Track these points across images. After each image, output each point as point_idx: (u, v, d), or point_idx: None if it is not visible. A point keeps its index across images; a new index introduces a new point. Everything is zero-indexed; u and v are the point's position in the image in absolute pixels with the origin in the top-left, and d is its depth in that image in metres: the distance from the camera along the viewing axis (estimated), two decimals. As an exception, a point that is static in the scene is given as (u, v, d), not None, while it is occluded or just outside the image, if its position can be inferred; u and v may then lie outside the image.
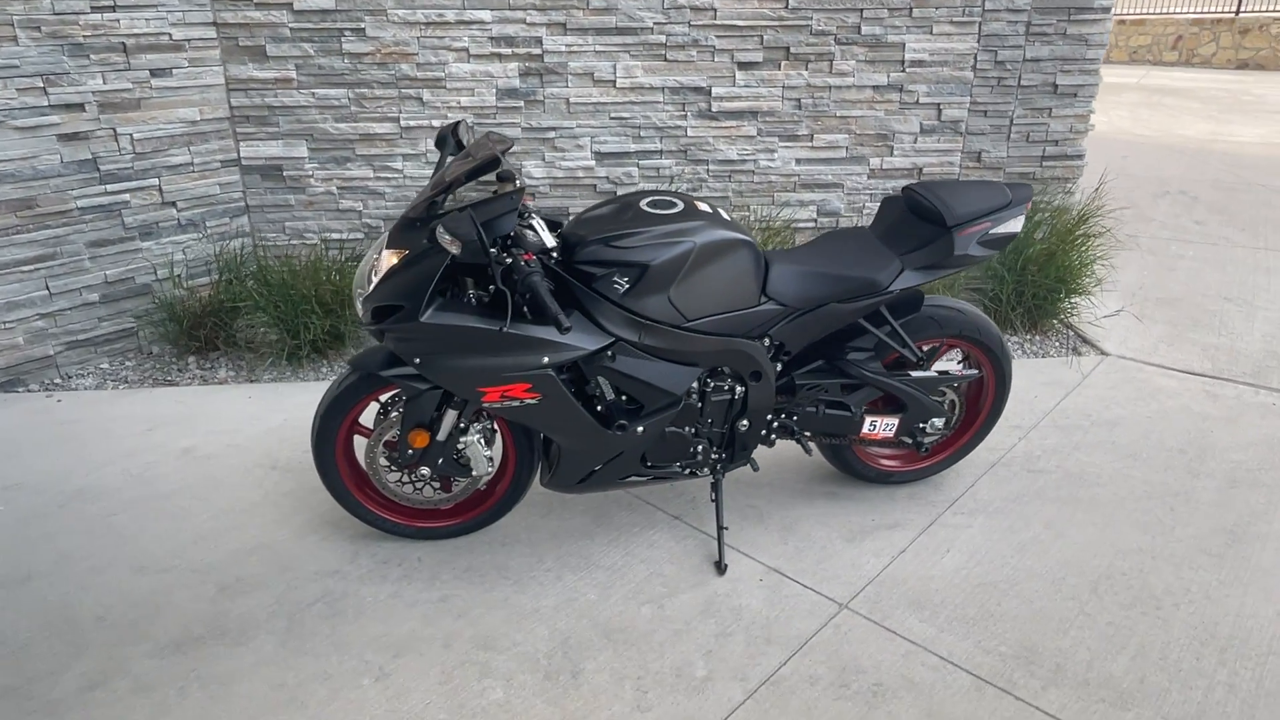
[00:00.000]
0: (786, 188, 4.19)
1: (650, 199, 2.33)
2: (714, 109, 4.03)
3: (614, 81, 3.94)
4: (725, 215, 2.36)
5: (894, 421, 2.61)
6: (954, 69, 4.03)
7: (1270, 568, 2.45)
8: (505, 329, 2.11)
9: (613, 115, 4.01)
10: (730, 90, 4.01)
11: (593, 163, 4.07)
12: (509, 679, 2.07)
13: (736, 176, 4.16)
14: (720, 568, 2.47)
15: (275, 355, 3.70)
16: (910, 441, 2.69)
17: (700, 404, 2.40)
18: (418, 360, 2.16)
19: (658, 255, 2.17)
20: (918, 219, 2.52)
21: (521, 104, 3.95)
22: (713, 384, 2.38)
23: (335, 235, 4.06)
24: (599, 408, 2.33)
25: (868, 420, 2.58)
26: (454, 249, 2.00)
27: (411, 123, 3.91)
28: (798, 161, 4.16)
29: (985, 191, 2.51)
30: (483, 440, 2.41)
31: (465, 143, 2.30)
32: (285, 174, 3.94)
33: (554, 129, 4.01)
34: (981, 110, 4.11)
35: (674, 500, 2.78)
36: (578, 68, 3.90)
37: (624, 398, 2.33)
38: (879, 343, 2.52)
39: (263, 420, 3.27)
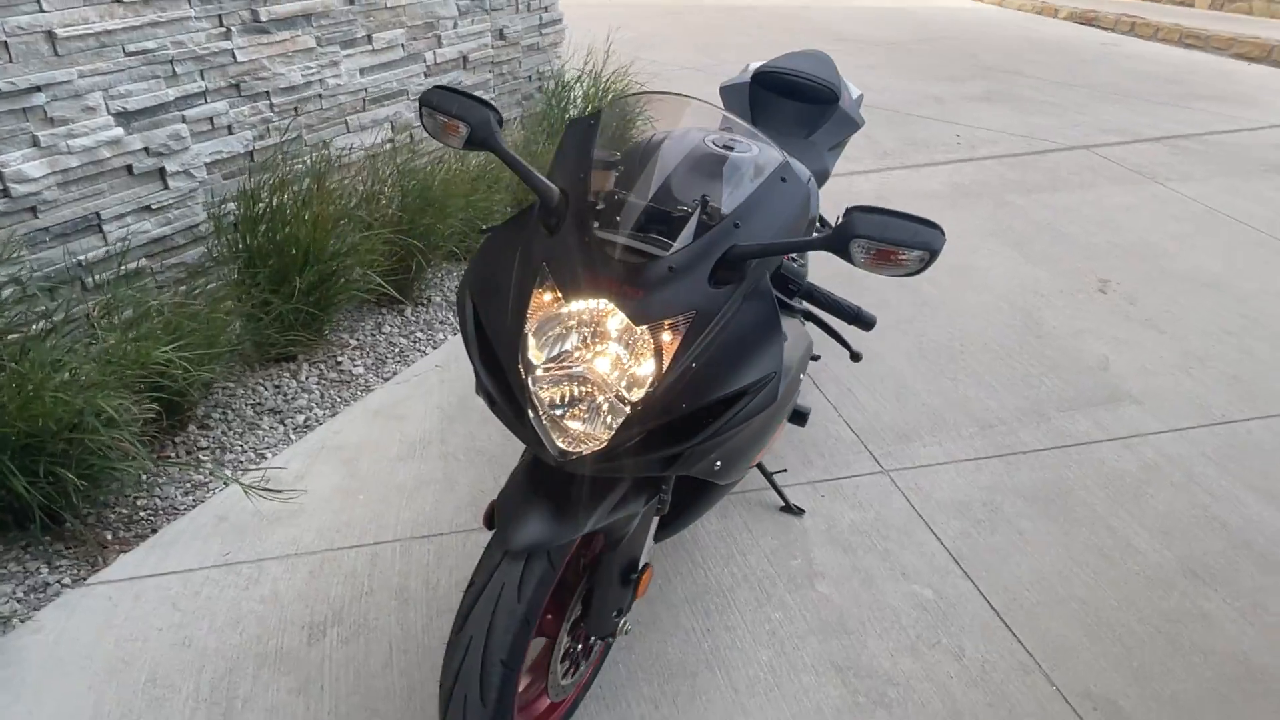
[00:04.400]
0: (356, 107, 3.33)
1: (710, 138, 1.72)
2: (263, 17, 2.86)
3: (113, -7, 2.44)
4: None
5: None
6: (463, -62, 3.62)
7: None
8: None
9: (130, 50, 2.52)
10: (275, -12, 2.88)
11: (119, 131, 2.55)
12: None
13: (305, 107, 3.11)
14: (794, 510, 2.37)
15: None
16: None
17: None
18: (719, 465, 1.43)
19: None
20: (797, 100, 2.49)
21: (-35, 53, 2.17)
22: None
23: None
24: None
25: None
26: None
27: None
28: (362, 72, 3.31)
29: (815, 61, 2.60)
30: None
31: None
32: None
33: (41, 88, 2.34)
34: (497, -18, 3.84)
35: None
36: (49, -24, 2.29)
37: None
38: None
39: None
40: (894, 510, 2.42)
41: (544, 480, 1.45)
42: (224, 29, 2.77)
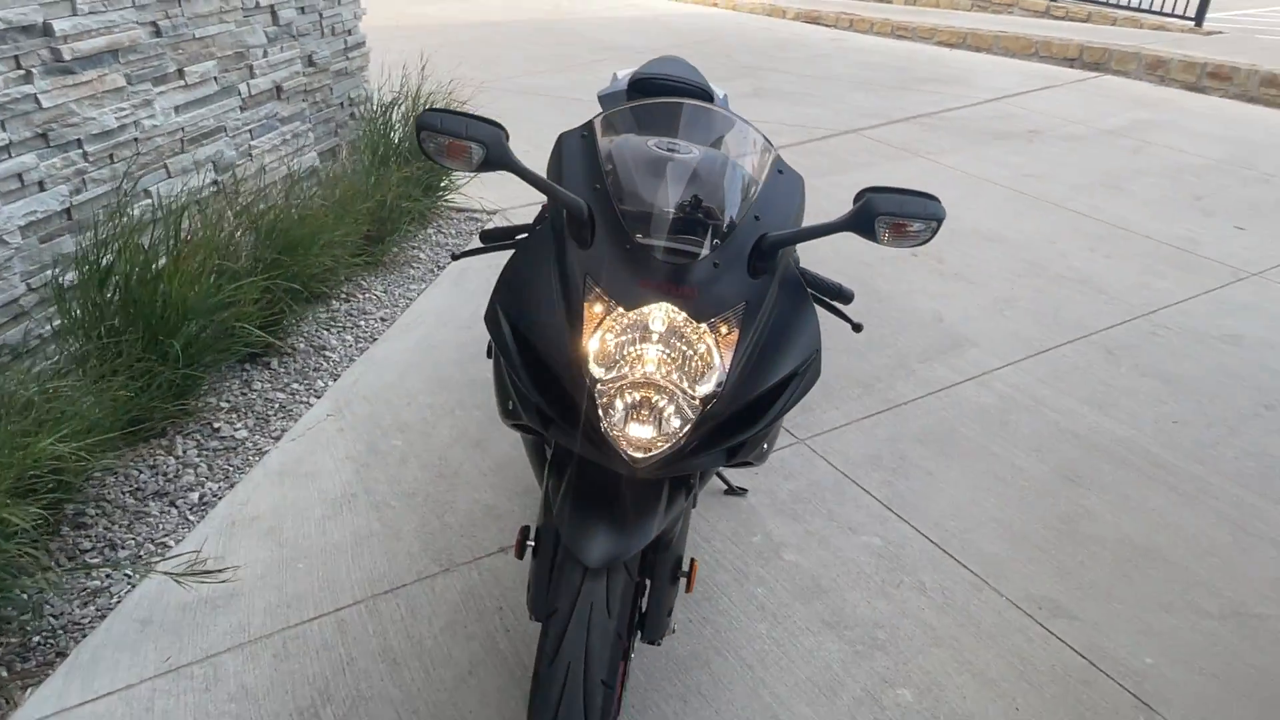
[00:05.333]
0: (175, 149, 3.00)
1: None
2: (66, 55, 2.51)
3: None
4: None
5: None
6: (259, -40, 3.37)
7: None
8: None
9: (-82, 101, 2.12)
10: (77, 22, 2.53)
11: (-84, 198, 2.14)
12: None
13: (121, 152, 2.76)
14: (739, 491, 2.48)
15: None
16: None
17: None
18: (765, 447, 1.49)
19: None
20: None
21: None
22: None
23: None
24: None
25: None
26: None
27: None
28: (177, 110, 2.99)
29: (682, 65, 2.71)
30: None
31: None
32: None
33: None
34: (299, 7, 3.61)
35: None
36: None
37: None
38: None
39: None
40: (821, 474, 2.61)
41: (599, 493, 1.45)
42: (23, 71, 2.41)
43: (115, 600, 2.09)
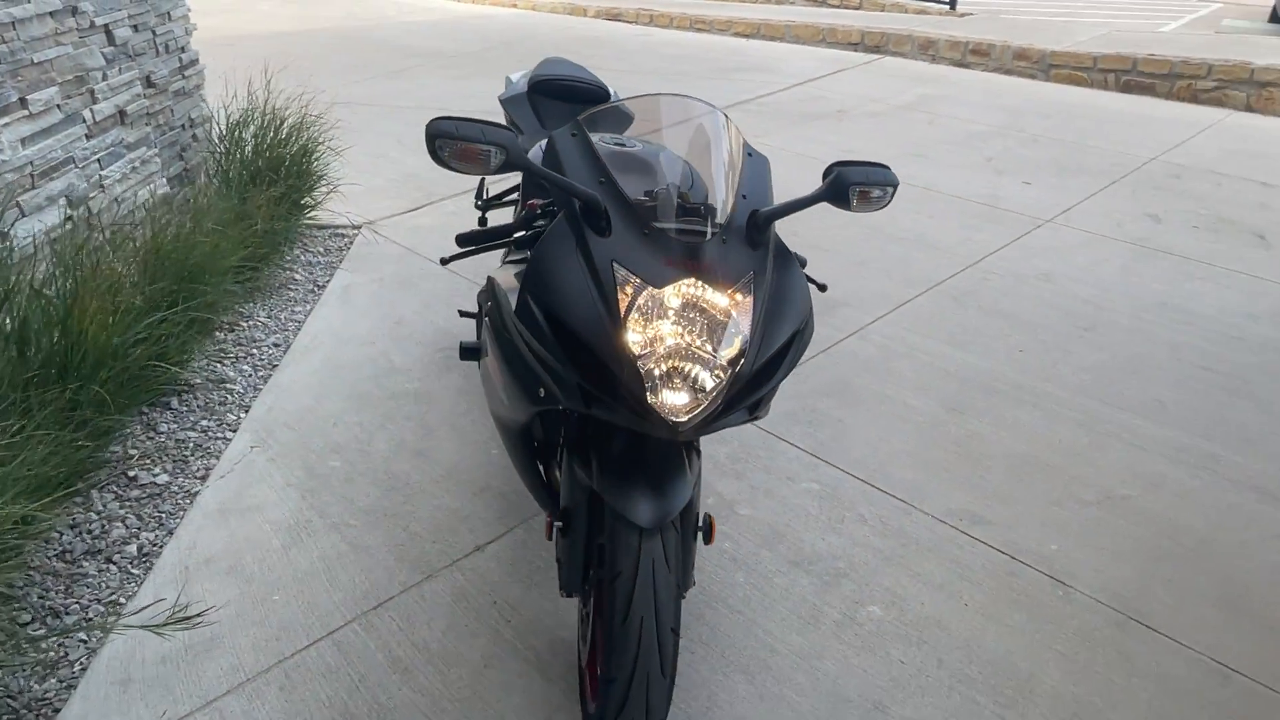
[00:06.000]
0: (26, 185, 2.75)
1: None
2: (-94, 91, 2.25)
3: None
4: None
5: None
6: (84, -24, 3.12)
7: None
8: None
9: None
10: (-87, 53, 2.27)
11: None
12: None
13: (-28, 192, 2.50)
14: None
15: None
16: None
17: None
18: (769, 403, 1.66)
19: None
20: (574, 102, 2.69)
21: None
22: None
23: None
24: None
25: None
26: None
27: None
28: (24, 142, 2.73)
29: (571, 65, 2.83)
30: None
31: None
32: None
33: None
34: (132, 25, 3.36)
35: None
36: None
37: None
38: None
39: None
40: (749, 435, 2.83)
41: (634, 463, 1.58)
42: None
43: (78, 669, 1.95)
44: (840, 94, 7.02)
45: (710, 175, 1.64)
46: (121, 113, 3.26)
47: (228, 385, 2.95)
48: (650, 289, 1.46)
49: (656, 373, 1.46)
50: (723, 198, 1.60)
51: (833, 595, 2.22)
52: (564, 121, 2.71)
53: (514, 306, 1.58)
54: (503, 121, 2.80)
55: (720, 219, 1.56)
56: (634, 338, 1.46)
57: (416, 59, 7.99)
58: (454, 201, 4.62)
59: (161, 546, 2.29)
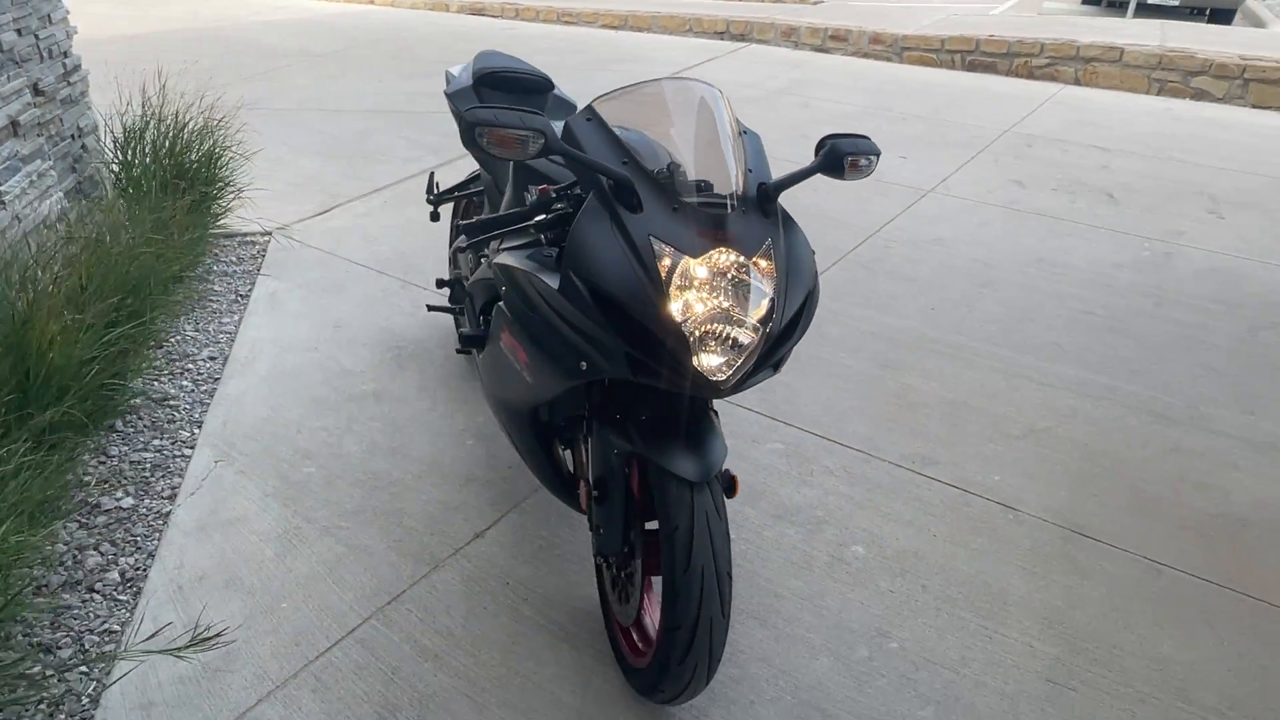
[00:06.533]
0: (-72, 205, 2.53)
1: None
2: None
3: None
4: None
5: None
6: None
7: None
8: None
9: None
10: None
11: None
12: (838, 555, 2.34)
13: (-122, 214, 2.29)
14: None
15: None
16: None
17: None
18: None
19: None
20: (519, 93, 2.73)
21: None
22: None
23: None
24: None
25: None
26: None
27: None
28: (-77, 158, 2.51)
29: (507, 57, 2.86)
30: None
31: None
32: None
33: None
34: (16, 29, 3.12)
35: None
36: None
37: None
38: None
39: None
40: (709, 405, 2.97)
41: (672, 423, 1.69)
42: None
43: (87, 701, 1.87)
44: (715, 81, 7.27)
45: (720, 152, 1.75)
46: (14, 123, 3.03)
47: (171, 402, 2.83)
48: (687, 259, 1.57)
49: (697, 335, 1.57)
50: (734, 173, 1.72)
51: (819, 541, 2.40)
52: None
53: (555, 285, 1.65)
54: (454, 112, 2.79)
55: (736, 192, 1.69)
56: (675, 306, 1.56)
57: (284, 59, 7.67)
58: (362, 203, 4.53)
59: (145, 570, 2.20)
